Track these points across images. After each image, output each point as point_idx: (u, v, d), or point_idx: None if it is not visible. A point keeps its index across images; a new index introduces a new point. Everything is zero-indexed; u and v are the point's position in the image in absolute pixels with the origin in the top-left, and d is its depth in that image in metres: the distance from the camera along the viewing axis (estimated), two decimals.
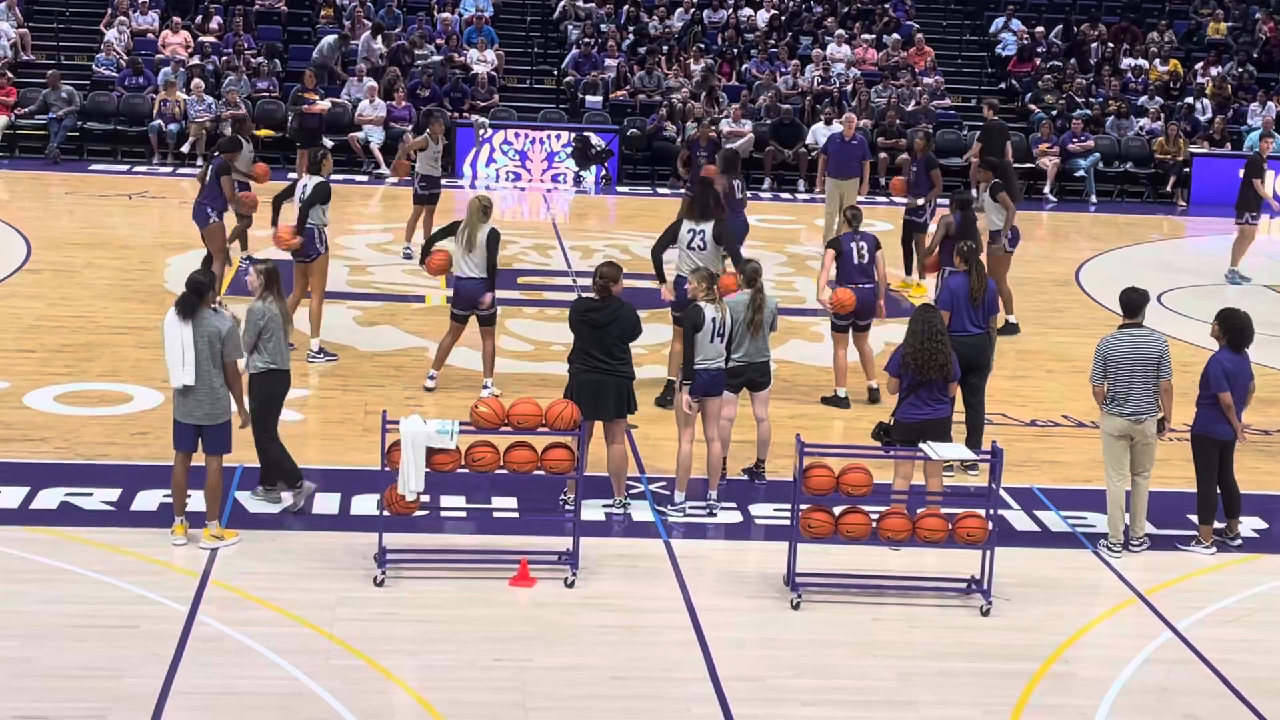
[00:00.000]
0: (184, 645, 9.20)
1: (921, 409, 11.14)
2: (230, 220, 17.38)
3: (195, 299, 10.56)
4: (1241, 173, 21.59)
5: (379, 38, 29.00)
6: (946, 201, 17.59)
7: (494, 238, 13.96)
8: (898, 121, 28.07)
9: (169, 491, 11.49)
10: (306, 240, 14.99)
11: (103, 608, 9.68)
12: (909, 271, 19.61)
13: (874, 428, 11.61)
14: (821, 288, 14.79)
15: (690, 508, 11.72)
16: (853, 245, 14.42)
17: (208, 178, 16.94)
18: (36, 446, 12.54)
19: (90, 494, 11.51)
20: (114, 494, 11.53)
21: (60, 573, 10.16)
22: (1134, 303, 11.40)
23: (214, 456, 10.70)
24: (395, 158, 19.93)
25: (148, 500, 11.44)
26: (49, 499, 11.37)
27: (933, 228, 17.70)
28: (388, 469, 10.25)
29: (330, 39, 28.79)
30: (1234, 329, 11.45)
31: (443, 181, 20.24)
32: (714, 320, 11.49)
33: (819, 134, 27.49)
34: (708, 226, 13.88)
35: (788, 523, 10.70)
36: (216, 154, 17.17)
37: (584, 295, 11.74)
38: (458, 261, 14.02)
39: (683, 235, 13.95)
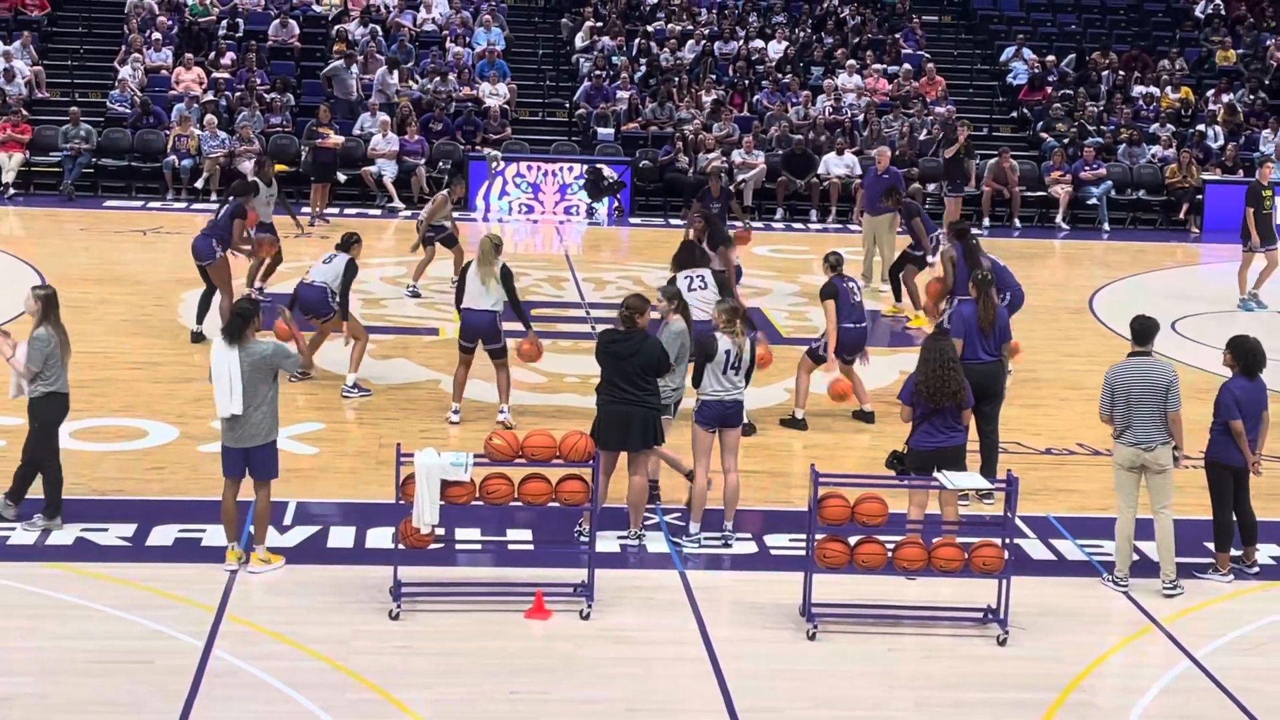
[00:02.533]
0: (199, 680, 9.19)
1: (935, 437, 11.13)
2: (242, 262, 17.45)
3: (241, 323, 10.69)
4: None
5: (394, 73, 29.11)
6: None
7: (507, 274, 14.21)
8: (910, 152, 28.10)
9: (184, 526, 11.55)
10: (320, 301, 15.17)
11: (118, 643, 9.68)
12: (898, 299, 19.69)
13: (888, 456, 11.59)
14: (831, 336, 14.68)
15: (705, 538, 11.70)
16: (844, 286, 14.55)
17: (219, 217, 17.01)
18: None
19: (106, 529, 11.52)
20: (129, 529, 11.54)
21: (76, 608, 10.17)
22: (1143, 331, 11.35)
23: (262, 483, 10.82)
24: (419, 227, 20.07)
25: (163, 535, 11.45)
26: (64, 534, 11.38)
27: (933, 260, 17.84)
28: (402, 502, 10.25)
29: (337, 64, 28.89)
30: (1246, 356, 11.42)
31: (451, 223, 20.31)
32: (728, 352, 11.51)
33: (831, 164, 27.59)
34: (706, 272, 14.33)
35: (803, 553, 10.68)
36: (233, 196, 17.19)
37: (610, 327, 11.78)
38: (470, 294, 14.12)
39: (681, 283, 14.19)
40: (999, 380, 12.87)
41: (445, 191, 20.09)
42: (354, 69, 29.07)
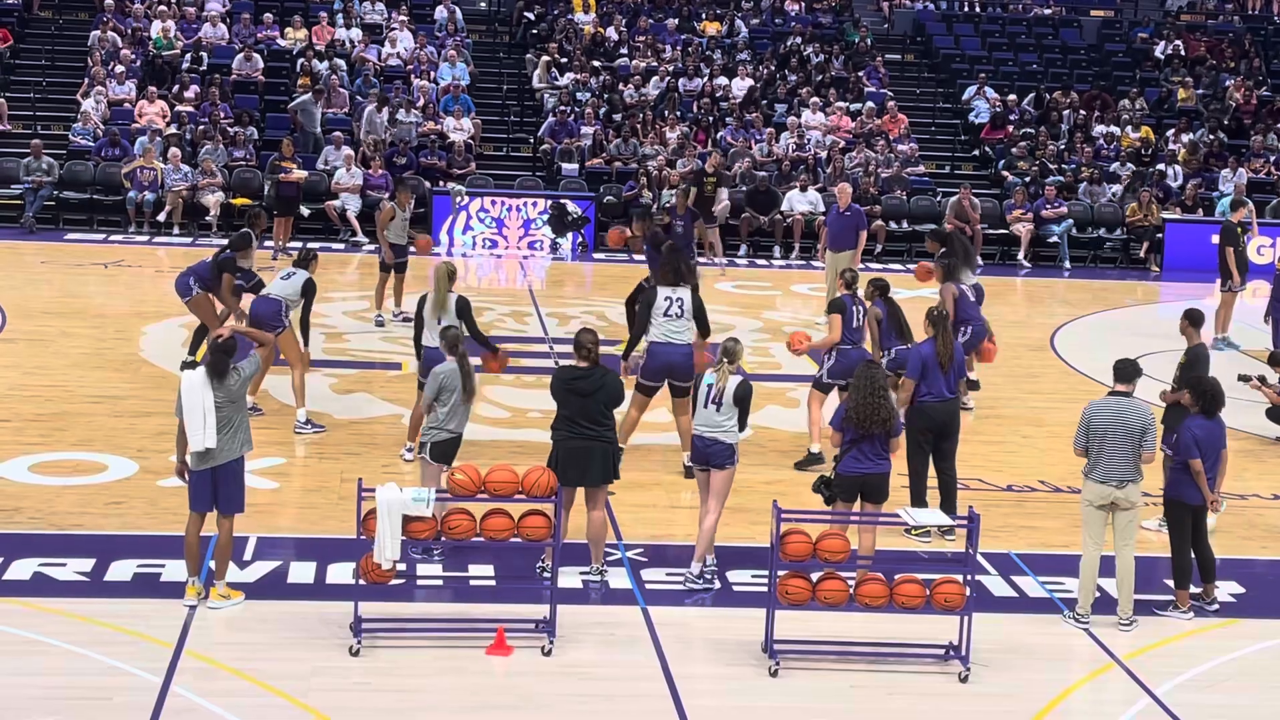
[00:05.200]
0: (158, 717, 9.12)
1: (863, 463, 11.24)
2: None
3: (225, 359, 10.73)
4: (1215, 239, 21.77)
5: (384, 110, 29.09)
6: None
7: (464, 304, 13.94)
8: (872, 189, 28.24)
9: (143, 561, 11.48)
10: (272, 314, 15.08)
11: (76, 679, 9.60)
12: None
13: (814, 481, 11.63)
14: (825, 344, 14.72)
15: (677, 573, 11.69)
16: (853, 308, 14.52)
17: (207, 262, 16.64)
18: (10, 516, 12.47)
19: (64, 564, 11.43)
20: (87, 564, 11.45)
21: (33, 644, 10.08)
22: (1124, 371, 11.42)
23: (226, 518, 10.80)
24: (381, 240, 20.00)
25: (121, 570, 11.37)
26: (22, 570, 11.29)
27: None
28: (364, 537, 10.21)
29: (305, 98, 28.92)
30: (1206, 396, 11.51)
31: (411, 249, 20.26)
32: (709, 387, 11.50)
33: (794, 201, 27.70)
34: (685, 294, 14.05)
35: (765, 589, 10.68)
36: (227, 250, 16.55)
37: (567, 363, 11.73)
38: (428, 331, 13.93)
39: (659, 304, 14.04)
40: (956, 419, 12.92)
41: (392, 203, 20.04)
42: (320, 103, 29.07)
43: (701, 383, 11.53)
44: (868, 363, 11.65)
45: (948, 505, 12.71)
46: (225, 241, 17.55)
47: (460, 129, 29.43)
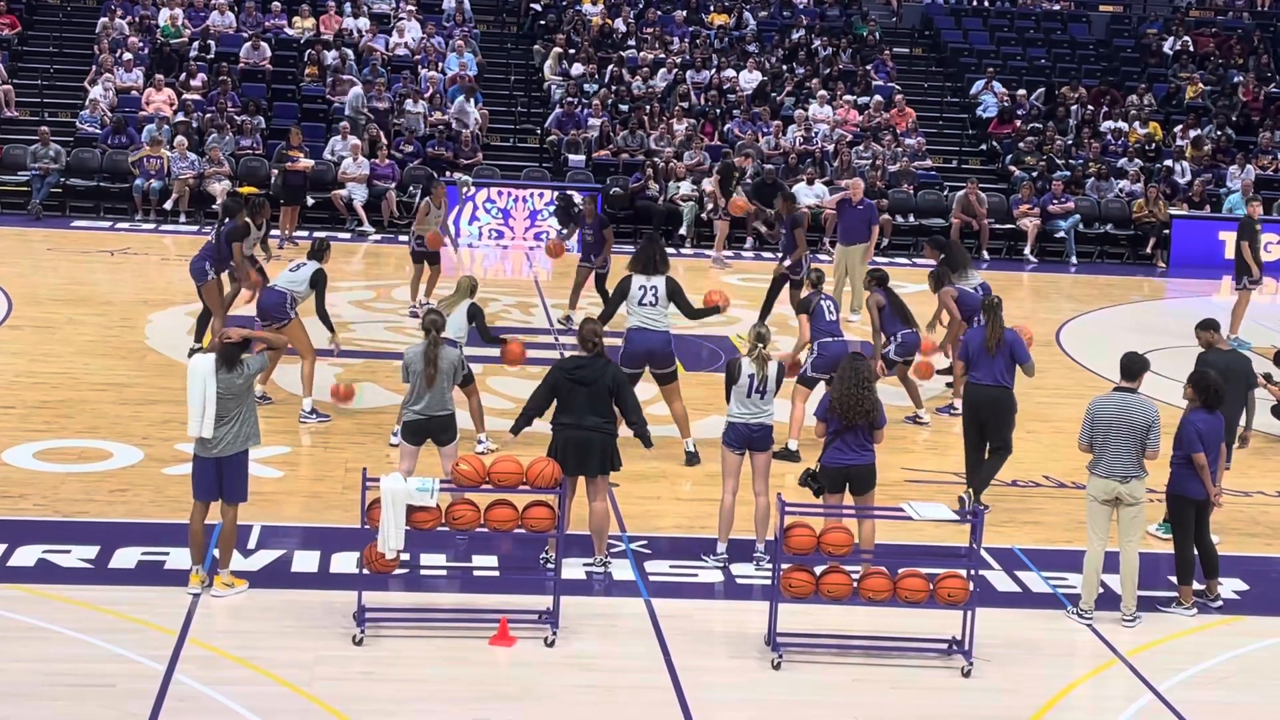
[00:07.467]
0: (160, 704, 9.13)
1: (846, 454, 11.26)
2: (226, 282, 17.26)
3: (237, 352, 10.74)
4: (1227, 235, 21.68)
5: (472, 100, 29.17)
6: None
7: (475, 310, 14.13)
8: (879, 183, 28.21)
9: (147, 548, 11.49)
10: (277, 305, 15.15)
11: (79, 666, 9.61)
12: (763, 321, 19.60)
13: (801, 474, 11.66)
14: (798, 349, 14.97)
15: (681, 565, 11.69)
16: (823, 304, 14.69)
17: (215, 238, 16.78)
18: (15, 503, 12.48)
19: (68, 551, 11.44)
20: (92, 551, 11.46)
21: (37, 630, 10.09)
22: (1130, 367, 11.42)
23: (231, 506, 10.82)
24: (422, 232, 20.03)
25: (126, 558, 11.38)
26: (27, 556, 11.30)
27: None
28: (368, 527, 10.22)
29: (356, 91, 28.98)
30: (1206, 390, 11.49)
31: (445, 241, 20.39)
32: (751, 376, 11.60)
33: (800, 194, 27.66)
34: (659, 281, 14.29)
35: (769, 582, 10.67)
36: (229, 219, 16.79)
37: (570, 354, 11.75)
38: None
39: (634, 292, 14.28)
40: (1001, 405, 13.08)
41: (427, 199, 20.16)
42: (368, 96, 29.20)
43: (741, 373, 11.61)
44: (853, 354, 11.70)
45: (977, 492, 12.93)
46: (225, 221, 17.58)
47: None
